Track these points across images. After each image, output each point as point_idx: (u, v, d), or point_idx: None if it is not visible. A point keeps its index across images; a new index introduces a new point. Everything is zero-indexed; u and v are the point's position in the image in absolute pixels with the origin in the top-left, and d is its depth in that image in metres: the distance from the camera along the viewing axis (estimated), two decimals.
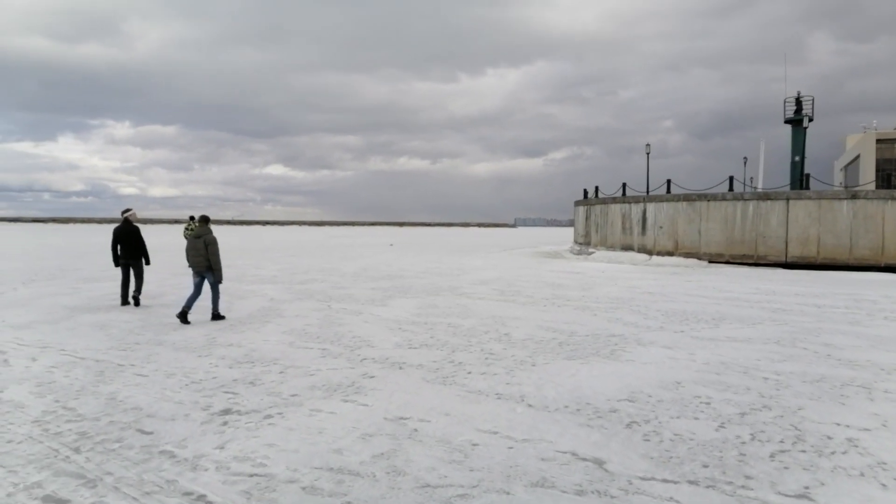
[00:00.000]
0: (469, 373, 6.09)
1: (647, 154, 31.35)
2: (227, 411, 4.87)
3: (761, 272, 19.86)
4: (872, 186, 38.98)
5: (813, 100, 30.88)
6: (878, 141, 51.52)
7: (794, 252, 21.58)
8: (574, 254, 28.96)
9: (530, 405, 5.02)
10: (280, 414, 4.78)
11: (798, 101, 30.66)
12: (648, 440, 4.23)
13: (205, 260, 9.15)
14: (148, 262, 11.34)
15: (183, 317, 8.99)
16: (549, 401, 5.14)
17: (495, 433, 4.33)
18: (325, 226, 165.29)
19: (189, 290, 10.11)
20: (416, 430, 4.40)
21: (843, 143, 66.53)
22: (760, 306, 11.16)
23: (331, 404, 5.03)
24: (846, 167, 59.55)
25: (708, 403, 5.08)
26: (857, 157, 54.45)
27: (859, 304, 11.44)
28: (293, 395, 5.28)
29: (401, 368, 6.28)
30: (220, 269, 9.34)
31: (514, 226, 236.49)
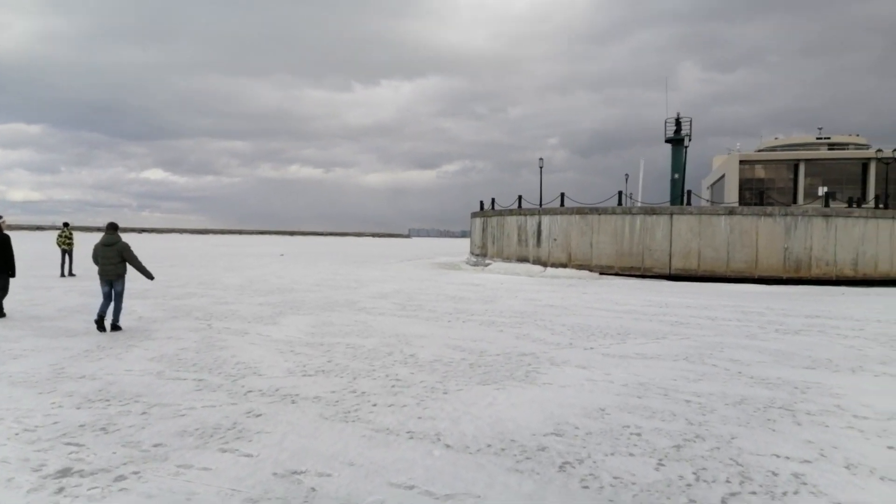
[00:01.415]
0: (374, 405, 5.32)
1: (541, 168, 31.97)
2: (65, 472, 3.79)
3: (649, 284, 20.54)
4: (736, 203, 42.14)
5: (691, 121, 32.82)
6: (741, 162, 56.13)
7: (678, 264, 22.58)
8: (471, 265, 28.82)
9: (448, 445, 4.34)
10: (136, 474, 3.77)
11: (678, 122, 32.52)
12: (587, 486, 3.68)
13: (116, 269, 9.05)
14: (13, 275, 10.02)
15: (99, 323, 8.89)
16: (469, 439, 4.49)
17: (411, 488, 3.60)
18: (209, 234, 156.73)
19: (63, 301, 8.56)
20: (313, 489, 3.58)
21: (710, 163, 72.19)
22: (659, 319, 11.23)
23: (205, 456, 4.08)
24: (712, 185, 64.48)
25: (639, 434, 4.65)
26: (723, 176, 59.08)
27: (748, 317, 11.82)
28: (156, 446, 4.26)
29: (294, 402, 5.39)
30: (146, 270, 9.47)
31: (408, 236, 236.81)
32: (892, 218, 22.78)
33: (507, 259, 26.79)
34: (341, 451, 4.20)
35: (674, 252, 22.59)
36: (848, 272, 21.91)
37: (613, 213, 23.49)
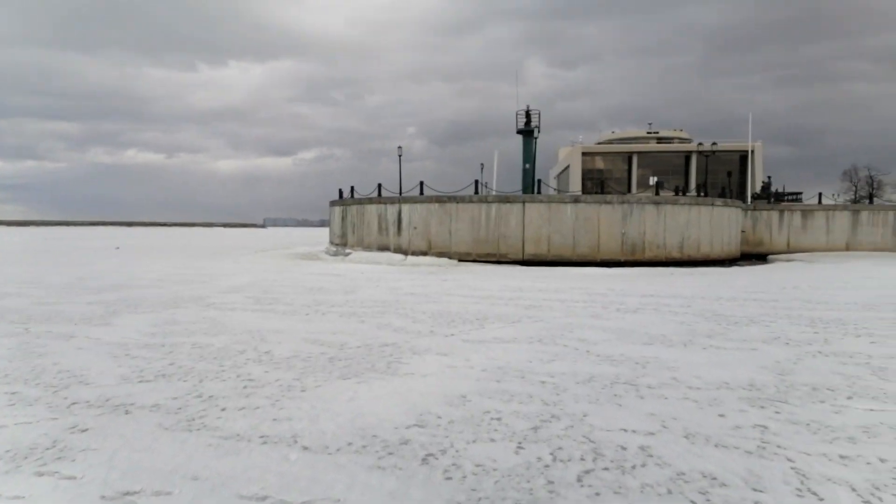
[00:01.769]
0: (223, 409, 4.91)
1: (400, 156, 31.97)
2: None
3: (504, 269, 21.34)
4: (580, 192, 45.22)
5: (539, 114, 34.41)
6: (583, 154, 60.14)
7: (530, 250, 23.69)
8: (331, 255, 28.19)
9: (306, 447, 4.09)
10: None
11: (527, 115, 34.00)
12: (450, 477, 3.63)
13: None
14: None
15: None
16: (329, 438, 4.27)
17: (264, 499, 3.33)
18: (32, 226, 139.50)
19: None
20: None
21: (557, 154, 76.69)
22: (514, 304, 11.64)
23: (17, 482, 3.49)
24: (559, 175, 68.60)
25: (499, 419, 4.70)
26: (568, 166, 62.98)
27: (593, 298, 12.64)
28: None
29: (127, 413, 4.82)
30: None
31: (263, 226, 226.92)
32: (711, 205, 25.59)
33: (368, 248, 26.53)
34: (183, 464, 3.79)
35: (526, 238, 23.65)
36: (676, 254, 24.30)
37: (470, 201, 24.08)
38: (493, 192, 28.71)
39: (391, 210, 25.64)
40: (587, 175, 59.81)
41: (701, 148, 40.88)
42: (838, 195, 57.73)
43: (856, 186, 68.91)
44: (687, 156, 56.91)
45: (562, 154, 72.69)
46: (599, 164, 61.21)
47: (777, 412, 4.87)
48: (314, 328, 8.73)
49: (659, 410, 4.92)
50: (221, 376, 5.97)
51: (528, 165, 33.12)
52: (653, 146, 59.93)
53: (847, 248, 31.05)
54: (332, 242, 31.33)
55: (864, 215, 31.31)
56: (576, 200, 24.00)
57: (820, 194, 33.05)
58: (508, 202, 23.89)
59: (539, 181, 27.32)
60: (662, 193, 26.87)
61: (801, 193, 45.92)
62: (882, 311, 10.67)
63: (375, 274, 18.64)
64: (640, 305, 11.40)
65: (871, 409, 4.89)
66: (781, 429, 4.46)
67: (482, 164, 40.91)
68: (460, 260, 23.82)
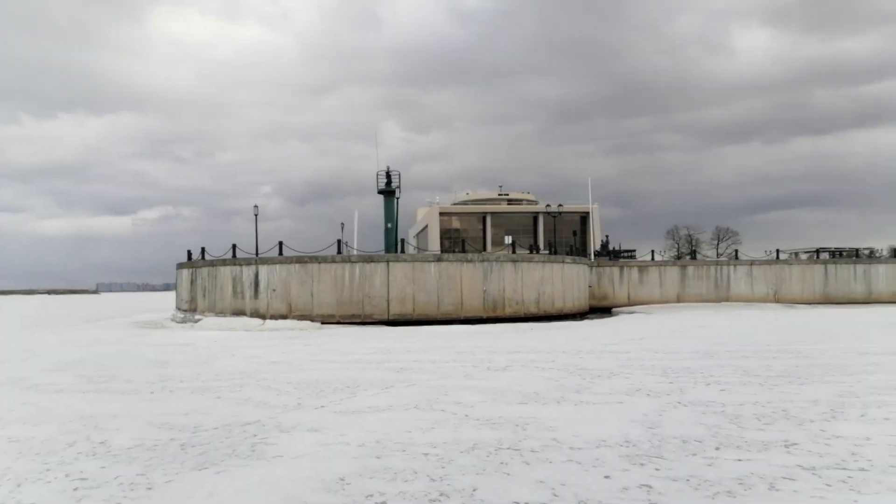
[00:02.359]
0: None
1: (256, 215, 30.72)
2: None
3: (370, 330, 20.87)
4: (439, 250, 46.20)
5: (399, 174, 34.96)
6: (440, 213, 61.96)
7: (395, 310, 23.48)
8: (178, 322, 25.94)
9: None
10: None
11: (388, 175, 34.41)
12: None
13: None
14: None
15: None
16: None
17: None
18: None
19: None
20: None
21: (415, 215, 78.35)
22: (385, 367, 11.25)
23: None
24: (417, 235, 69.92)
25: None
26: (426, 226, 64.48)
27: (462, 357, 12.59)
28: None
29: None
30: None
31: (96, 291, 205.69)
32: (562, 262, 27.18)
33: (221, 313, 24.77)
34: None
35: (391, 298, 23.44)
36: (533, 309, 25.33)
37: (333, 261, 23.53)
38: (356, 252, 28.35)
39: (247, 272, 24.29)
40: (445, 234, 61.43)
41: (549, 209, 43.71)
42: (664, 252, 64.19)
43: (678, 244, 77.49)
44: (535, 216, 60.56)
45: (420, 214, 74.28)
46: (456, 223, 63.25)
47: (657, 469, 4.93)
48: (160, 409, 7.72)
49: (547, 477, 4.78)
50: (45, 477, 4.96)
51: (390, 225, 33.28)
52: (504, 207, 63.20)
53: (678, 300, 34.35)
54: (179, 308, 28.93)
55: (691, 270, 34.99)
56: (439, 259, 24.34)
57: (653, 252, 36.56)
58: (373, 262, 23.66)
59: (402, 240, 27.47)
60: (519, 252, 28.14)
61: (634, 251, 50.43)
62: (720, 359, 11.66)
63: (231, 341, 17.32)
64: (509, 363, 11.52)
65: (740, 460, 5.12)
66: (665, 487, 4.50)
67: (342, 224, 40.54)
68: (323, 322, 22.98)
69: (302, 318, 23.07)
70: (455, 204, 66.35)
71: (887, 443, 5.47)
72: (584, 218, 56.34)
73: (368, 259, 23.85)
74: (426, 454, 5.48)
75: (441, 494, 4.44)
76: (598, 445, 5.64)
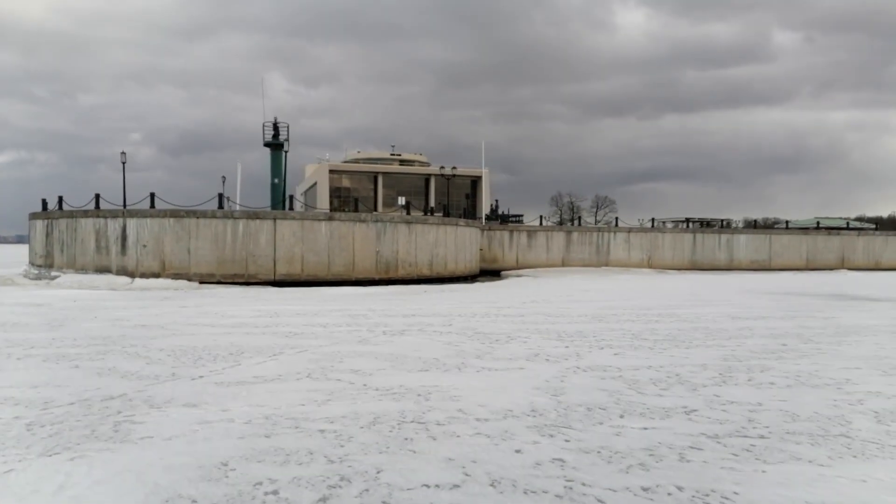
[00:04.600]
0: None
1: (123, 164, 28.02)
2: None
3: (255, 291, 19.72)
4: (328, 209, 44.85)
5: (288, 126, 33.19)
6: (330, 171, 60.11)
7: (282, 270, 22.37)
8: (31, 279, 23.22)
9: None
10: None
11: (276, 127, 32.53)
12: None
13: None
14: None
15: None
16: None
17: None
18: None
19: None
20: None
21: (303, 171, 75.59)
22: (272, 331, 10.51)
23: None
24: (305, 192, 67.60)
25: (275, 492, 3.76)
26: (315, 184, 62.39)
27: (356, 321, 12.07)
28: None
29: None
30: None
31: None
32: (456, 225, 27.12)
33: (83, 270, 22.42)
34: None
35: (278, 258, 22.28)
36: (426, 272, 25.14)
37: (214, 216, 21.89)
38: (239, 207, 26.65)
39: (113, 225, 22.06)
40: (335, 193, 59.80)
41: (443, 171, 43.52)
42: (548, 218, 66.60)
43: (561, 210, 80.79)
44: (427, 178, 60.27)
45: (308, 171, 71.79)
46: (346, 182, 61.71)
47: (567, 440, 4.76)
48: (3, 381, 6.60)
49: (456, 453, 4.45)
50: None
51: (277, 180, 31.64)
52: (396, 167, 62.36)
53: (563, 265, 35.65)
54: (33, 264, 25.91)
55: (576, 235, 36.35)
56: (331, 218, 23.40)
57: (541, 217, 37.53)
58: (258, 218, 22.29)
59: (291, 197, 26.13)
60: (413, 213, 27.74)
61: (522, 216, 51.75)
62: (609, 322, 11.99)
63: (93, 301, 15.63)
64: (405, 326, 11.15)
65: (645, 428, 5.06)
66: (578, 461, 4.32)
67: (224, 177, 38.11)
68: (202, 282, 21.44)
69: (177, 276, 21.37)
70: (345, 162, 64.59)
71: (778, 408, 5.66)
72: (475, 182, 56.78)
73: (253, 215, 22.43)
74: (322, 431, 4.97)
75: (342, 479, 3.97)
76: (506, 416, 5.40)
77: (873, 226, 57.08)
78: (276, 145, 31.60)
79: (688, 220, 50.98)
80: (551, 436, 4.88)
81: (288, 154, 31.95)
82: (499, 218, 44.82)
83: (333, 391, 6.30)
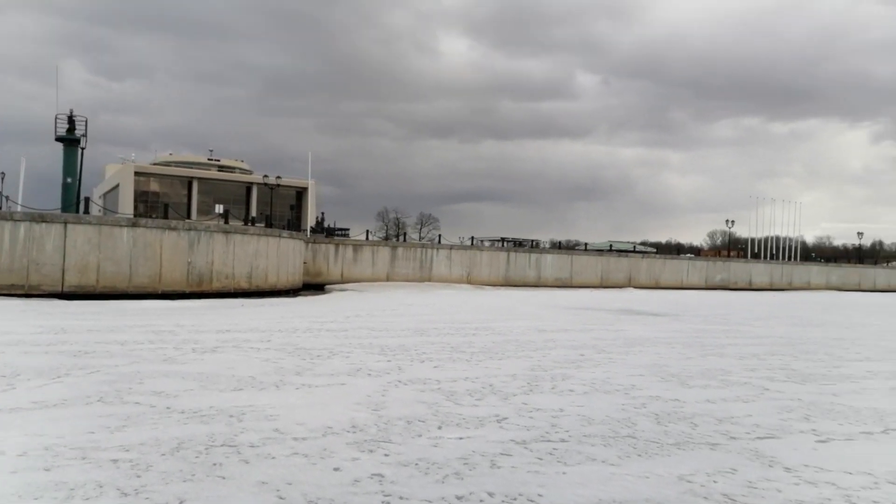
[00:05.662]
0: None
1: None
2: None
3: (37, 304, 17.24)
4: (131, 214, 40.88)
5: (86, 121, 29.87)
6: (136, 173, 55.06)
7: (73, 281, 19.87)
8: None
9: None
10: None
11: (71, 120, 29.07)
12: None
13: None
14: None
15: None
16: None
17: None
18: None
19: None
20: None
21: (103, 171, 68.29)
22: (57, 350, 9.24)
23: None
24: (105, 195, 61.09)
25: None
26: (117, 185, 56.65)
27: (161, 337, 11.07)
28: None
29: None
30: None
31: None
32: (279, 236, 26.18)
33: None
34: None
35: (68, 266, 19.75)
36: (244, 284, 23.89)
37: None
38: (21, 208, 23.20)
39: None
40: (141, 197, 54.83)
41: (266, 180, 41.91)
42: (374, 233, 67.30)
43: (387, 226, 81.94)
44: (249, 186, 57.71)
45: (110, 171, 65.13)
46: (155, 186, 56.92)
47: (386, 455, 4.76)
48: None
49: (270, 476, 4.23)
50: None
51: (70, 179, 28.17)
52: (215, 173, 58.94)
53: (387, 279, 36.04)
54: None
55: (400, 251, 36.99)
56: (134, 224, 21.29)
57: (368, 231, 37.70)
58: (45, 221, 19.58)
59: (87, 199, 23.33)
60: (232, 223, 26.26)
61: (348, 230, 51.58)
62: (430, 336, 12.32)
63: None
64: (219, 343, 10.46)
65: (461, 438, 5.24)
66: (396, 474, 4.33)
67: (2, 174, 33.09)
68: None
69: None
70: (155, 164, 59.60)
71: (577, 413, 6.20)
72: (300, 193, 55.46)
73: (39, 218, 19.64)
74: (115, 461, 4.45)
75: None
76: (325, 433, 5.27)
77: (654, 250, 65.71)
78: (70, 141, 28.14)
79: (503, 240, 54.50)
80: (371, 451, 4.85)
81: (85, 151, 28.59)
82: (325, 231, 44.18)
83: (130, 416, 5.68)
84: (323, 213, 56.76)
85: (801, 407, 6.87)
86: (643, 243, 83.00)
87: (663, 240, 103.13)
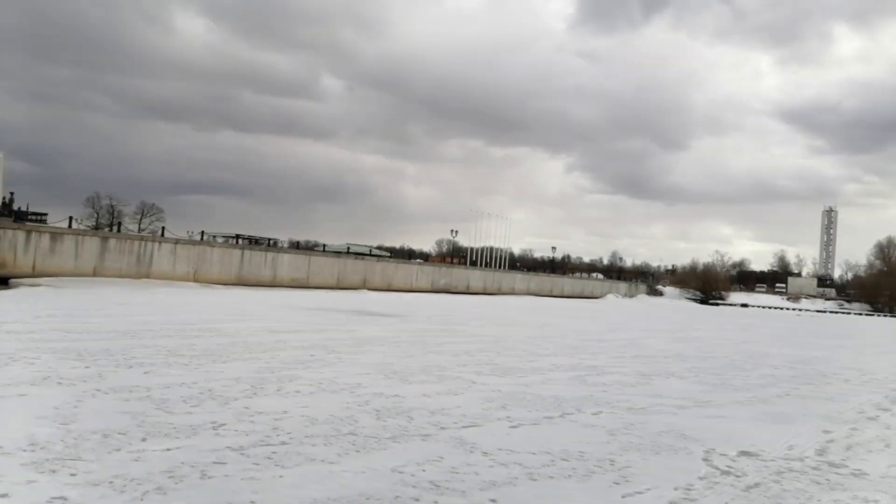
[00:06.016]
0: None
1: None
2: None
3: None
4: None
5: None
6: None
7: None
8: None
9: None
10: None
11: None
12: None
13: None
14: None
15: None
16: None
17: None
18: None
19: None
20: None
21: None
22: None
23: None
24: None
25: None
26: None
27: None
28: None
29: None
30: None
31: None
32: None
33: None
34: None
35: None
36: None
37: None
38: None
39: None
40: None
41: None
42: (81, 220, 58.50)
43: (98, 213, 71.39)
44: None
45: None
46: None
47: (73, 474, 4.12)
48: None
49: None
50: None
51: None
52: None
53: (95, 275, 31.48)
54: None
55: (113, 243, 32.66)
56: None
57: (71, 218, 32.51)
58: None
59: None
60: None
61: (46, 215, 44.09)
62: (143, 339, 11.08)
63: None
64: None
65: (168, 449, 4.79)
66: (84, 496, 3.77)
67: None
68: None
69: None
70: None
71: (301, 414, 6.13)
72: None
73: None
74: None
75: None
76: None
77: (389, 254, 68.82)
78: None
79: (238, 237, 51.75)
80: (53, 471, 4.15)
81: None
82: (12, 214, 36.96)
83: None
84: (12, 193, 47.50)
85: (501, 397, 7.79)
86: (379, 247, 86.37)
87: (397, 245, 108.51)
